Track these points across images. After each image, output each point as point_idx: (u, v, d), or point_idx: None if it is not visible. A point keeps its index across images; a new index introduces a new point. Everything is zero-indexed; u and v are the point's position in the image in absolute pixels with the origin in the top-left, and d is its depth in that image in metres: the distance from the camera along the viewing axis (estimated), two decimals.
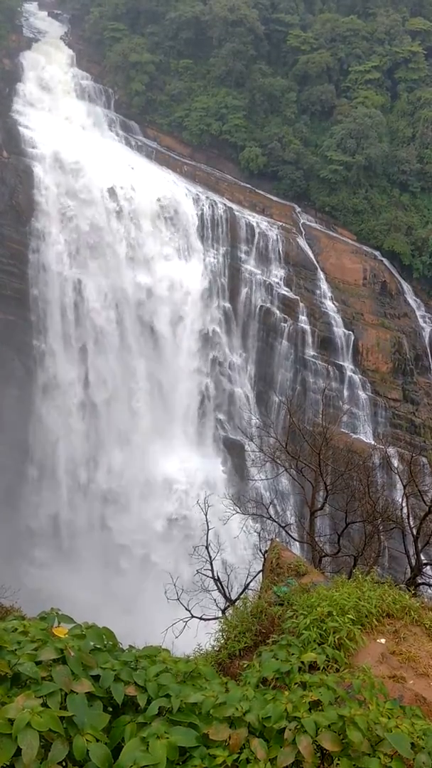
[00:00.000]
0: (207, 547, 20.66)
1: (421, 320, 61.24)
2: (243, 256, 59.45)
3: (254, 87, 64.37)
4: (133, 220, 56.98)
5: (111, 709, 4.51)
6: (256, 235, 59.46)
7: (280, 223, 60.87)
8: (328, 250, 61.18)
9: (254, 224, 59.80)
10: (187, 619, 18.22)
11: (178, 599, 18.95)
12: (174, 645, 10.79)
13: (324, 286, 59.98)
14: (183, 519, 54.75)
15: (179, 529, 55.15)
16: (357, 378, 58.51)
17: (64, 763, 4.04)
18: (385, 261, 61.70)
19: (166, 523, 56.05)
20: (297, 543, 28.78)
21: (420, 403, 58.72)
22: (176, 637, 15.87)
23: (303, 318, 58.61)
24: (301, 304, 58.74)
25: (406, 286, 62.00)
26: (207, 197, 60.15)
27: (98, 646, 4.93)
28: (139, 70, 65.16)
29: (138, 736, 4.21)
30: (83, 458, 56.54)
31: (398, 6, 70.09)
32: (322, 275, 60.27)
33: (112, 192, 56.60)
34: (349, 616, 8.36)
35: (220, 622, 10.66)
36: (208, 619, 17.99)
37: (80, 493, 56.53)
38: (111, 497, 56.52)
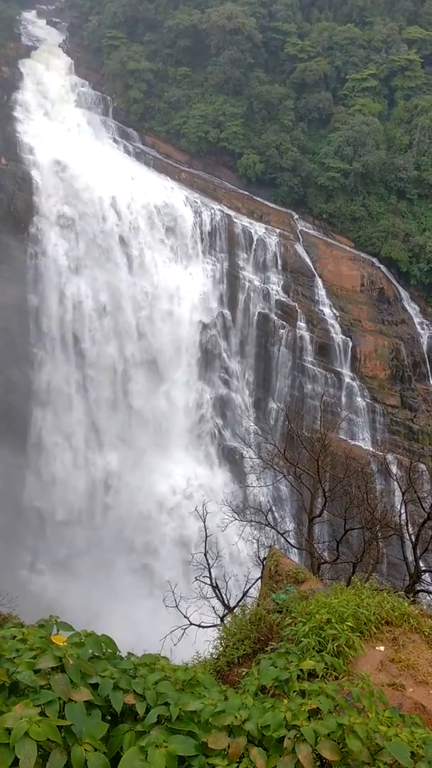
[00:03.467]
0: (205, 555, 20.62)
1: (418, 327, 61.33)
2: (241, 263, 59.55)
3: (252, 94, 64.65)
4: (132, 227, 57.10)
5: (110, 718, 4.48)
6: (254, 242, 59.60)
7: (278, 230, 60.98)
8: (325, 256, 61.31)
9: (252, 231, 59.94)
10: (185, 627, 18.15)
11: (176, 606, 18.89)
12: (172, 653, 10.75)
13: (322, 292, 60.05)
14: (181, 526, 54.60)
15: (177, 536, 55.01)
16: (355, 384, 58.50)
17: None
18: (383, 268, 61.83)
19: (164, 530, 55.89)
20: (296, 550, 28.73)
21: (418, 410, 58.72)
22: (174, 645, 15.80)
23: (301, 324, 58.66)
24: (299, 311, 58.80)
25: (403, 293, 62.11)
26: (205, 204, 60.30)
27: (97, 654, 4.90)
28: (138, 77, 65.47)
29: (137, 745, 4.17)
30: (81, 466, 56.42)
31: (395, 15, 70.59)
32: (319, 282, 60.36)
33: (110, 199, 56.74)
34: (348, 623, 8.32)
35: (219, 629, 10.61)
36: (207, 627, 17.93)
37: (78, 500, 56.38)
38: (108, 505, 56.38)
